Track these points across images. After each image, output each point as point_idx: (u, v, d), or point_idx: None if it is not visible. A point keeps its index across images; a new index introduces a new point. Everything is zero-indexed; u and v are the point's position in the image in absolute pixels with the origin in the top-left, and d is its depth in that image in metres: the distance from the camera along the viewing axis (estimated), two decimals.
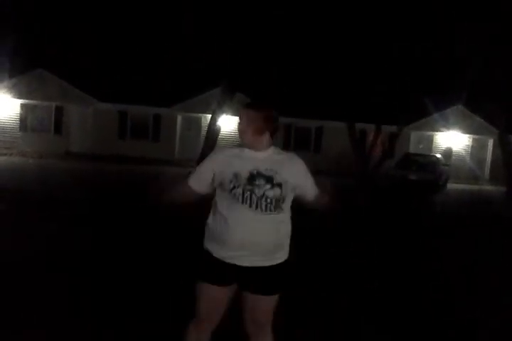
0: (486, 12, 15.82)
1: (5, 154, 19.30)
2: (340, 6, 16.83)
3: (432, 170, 17.63)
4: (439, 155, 20.39)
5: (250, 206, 2.48)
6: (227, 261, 2.51)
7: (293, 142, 23.12)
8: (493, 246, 7.82)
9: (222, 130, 18.08)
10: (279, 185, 2.52)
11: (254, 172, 2.51)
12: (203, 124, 22.07)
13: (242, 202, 2.49)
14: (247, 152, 2.58)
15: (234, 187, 2.50)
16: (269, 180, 2.51)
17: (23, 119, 22.21)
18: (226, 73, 12.37)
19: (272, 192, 2.51)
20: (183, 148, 22.71)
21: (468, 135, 23.46)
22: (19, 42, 19.34)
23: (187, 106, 22.54)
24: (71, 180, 12.29)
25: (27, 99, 21.86)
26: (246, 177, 2.50)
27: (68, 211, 8.15)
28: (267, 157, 2.58)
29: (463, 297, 4.94)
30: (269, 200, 2.50)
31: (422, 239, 8.22)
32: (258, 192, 2.49)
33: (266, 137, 2.60)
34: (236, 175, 2.50)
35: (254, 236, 2.48)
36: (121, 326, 3.53)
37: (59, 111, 22.24)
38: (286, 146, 23.04)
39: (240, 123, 2.62)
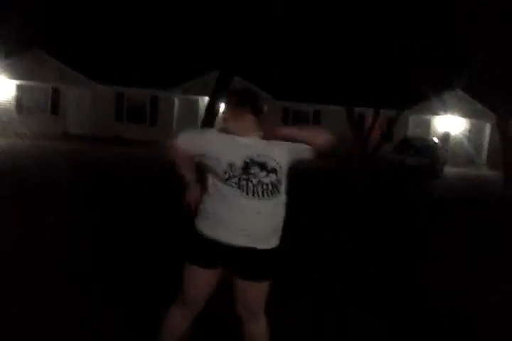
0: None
1: (1, 136, 19.19)
2: None
3: (430, 155, 17.64)
4: (436, 140, 20.36)
5: (247, 193, 2.46)
6: (222, 240, 2.48)
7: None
8: (490, 233, 7.86)
9: (219, 113, 17.98)
10: (274, 171, 2.51)
11: (248, 160, 2.49)
12: (200, 107, 21.97)
13: (239, 189, 2.47)
14: (237, 138, 2.56)
15: (229, 178, 2.47)
16: (263, 167, 2.49)
17: (19, 101, 22.08)
18: (224, 56, 12.22)
19: (268, 179, 2.49)
20: (181, 130, 22.59)
21: (466, 119, 23.42)
22: (17, 22, 19.07)
23: (184, 89, 22.40)
24: (69, 163, 12.24)
25: (23, 80, 21.67)
26: (240, 166, 2.48)
27: (65, 195, 8.14)
28: (255, 142, 2.56)
29: (458, 285, 4.98)
30: (265, 186, 2.48)
31: (418, 225, 8.25)
32: (254, 180, 2.48)
33: (249, 122, 2.57)
34: (231, 165, 2.48)
35: (252, 223, 2.47)
36: (120, 325, 3.54)
37: (56, 92, 22.11)
38: None
39: (223, 111, 2.64)
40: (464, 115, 23.06)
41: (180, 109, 23.22)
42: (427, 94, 21.32)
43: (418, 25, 17.12)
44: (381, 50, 18.20)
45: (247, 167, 2.48)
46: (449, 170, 19.48)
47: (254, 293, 2.62)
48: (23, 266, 4.45)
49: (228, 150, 2.51)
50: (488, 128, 23.39)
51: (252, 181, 2.47)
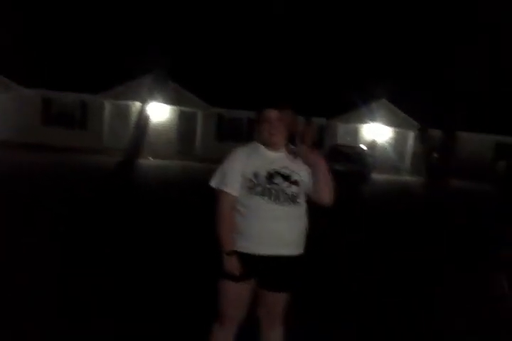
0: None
1: None
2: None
3: (359, 161, 18.26)
4: (365, 147, 21.12)
5: (270, 198, 2.60)
6: (245, 251, 2.61)
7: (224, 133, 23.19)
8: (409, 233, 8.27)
9: (153, 118, 17.76)
10: (296, 183, 2.66)
11: (272, 171, 2.62)
12: (132, 112, 21.59)
13: (262, 195, 2.61)
14: (263, 151, 2.69)
15: (254, 186, 2.61)
16: (286, 178, 2.64)
17: None
18: (160, 59, 12.06)
19: (290, 190, 2.65)
20: (112, 136, 22.13)
21: (391, 128, 24.49)
22: None
23: (115, 93, 21.94)
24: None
25: None
26: (265, 175, 2.62)
27: None
28: (282, 156, 2.69)
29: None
30: (286, 195, 2.63)
31: (347, 230, 8.54)
32: (277, 189, 2.62)
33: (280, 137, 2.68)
34: (255, 174, 2.62)
35: (271, 226, 2.60)
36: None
37: None
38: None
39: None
40: (389, 124, 24.10)
41: (111, 114, 22.69)
42: (355, 103, 22.17)
43: (350, 33, 17.79)
44: (313, 60, 18.76)
45: (271, 176, 2.62)
46: (375, 176, 20.24)
47: (277, 301, 2.75)
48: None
49: (254, 162, 2.65)
50: (411, 137, 24.57)
51: (274, 189, 2.61)
